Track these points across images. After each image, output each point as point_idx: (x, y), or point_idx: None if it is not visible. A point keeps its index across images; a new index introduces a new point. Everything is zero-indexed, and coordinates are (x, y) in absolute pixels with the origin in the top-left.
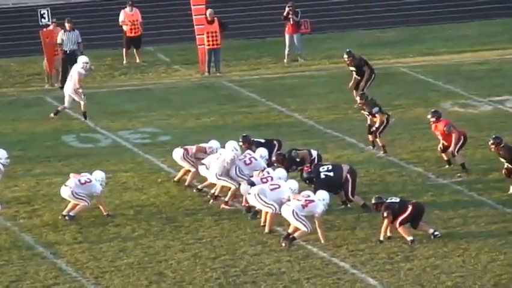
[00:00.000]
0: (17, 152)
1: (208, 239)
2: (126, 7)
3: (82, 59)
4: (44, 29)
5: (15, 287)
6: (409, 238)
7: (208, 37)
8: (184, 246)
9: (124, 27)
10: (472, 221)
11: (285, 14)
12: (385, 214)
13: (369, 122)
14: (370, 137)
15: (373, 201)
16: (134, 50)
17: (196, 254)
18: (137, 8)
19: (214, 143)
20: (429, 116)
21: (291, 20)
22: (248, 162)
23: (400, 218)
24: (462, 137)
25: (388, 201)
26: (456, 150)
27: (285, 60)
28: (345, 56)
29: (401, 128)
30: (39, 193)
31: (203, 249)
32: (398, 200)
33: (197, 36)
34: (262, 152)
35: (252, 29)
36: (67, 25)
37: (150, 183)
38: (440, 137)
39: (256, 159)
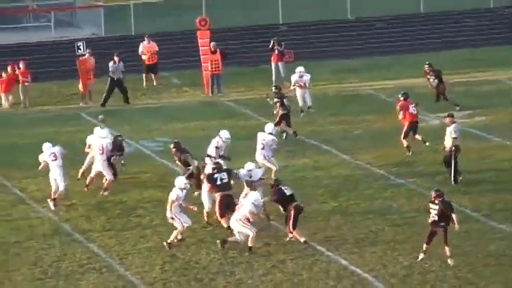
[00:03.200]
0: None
1: (211, 228)
2: (144, 40)
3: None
4: (80, 58)
5: (56, 266)
6: (302, 239)
7: (211, 65)
8: (192, 233)
9: (143, 57)
10: (423, 212)
11: (271, 45)
12: (273, 196)
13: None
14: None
15: (271, 182)
16: (152, 75)
17: (201, 239)
18: (154, 41)
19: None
20: (399, 95)
21: (276, 50)
22: None
23: (290, 223)
24: (408, 123)
25: (283, 188)
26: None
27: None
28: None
29: (367, 138)
30: (75, 190)
31: (207, 235)
32: (289, 193)
33: (202, 64)
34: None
35: (247, 58)
36: (115, 58)
37: (166, 183)
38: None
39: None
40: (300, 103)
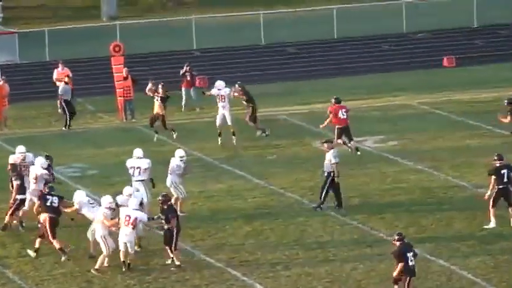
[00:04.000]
0: None
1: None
2: (59, 66)
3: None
4: None
5: None
6: (177, 263)
7: (124, 91)
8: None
9: (57, 83)
10: (337, 237)
11: (182, 71)
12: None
13: None
14: None
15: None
16: None
17: (118, 264)
18: (67, 67)
19: None
20: (332, 100)
21: (187, 76)
22: None
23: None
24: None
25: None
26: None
27: (183, 110)
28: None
29: (281, 163)
30: None
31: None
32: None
33: (117, 90)
34: None
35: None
36: (67, 80)
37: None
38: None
39: None
40: (218, 122)
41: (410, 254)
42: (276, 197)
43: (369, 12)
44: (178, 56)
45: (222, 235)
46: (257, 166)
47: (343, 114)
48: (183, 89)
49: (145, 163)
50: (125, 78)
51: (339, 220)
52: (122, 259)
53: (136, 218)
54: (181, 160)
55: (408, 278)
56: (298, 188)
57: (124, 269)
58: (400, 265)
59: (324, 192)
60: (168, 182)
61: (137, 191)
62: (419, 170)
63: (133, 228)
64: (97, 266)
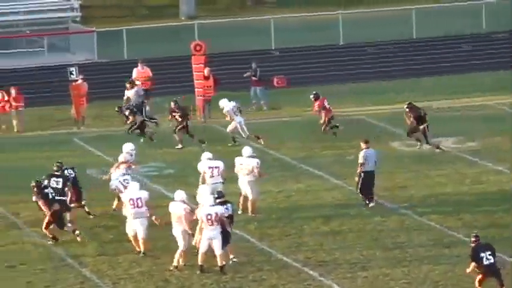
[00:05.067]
0: None
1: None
2: (138, 65)
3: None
4: (73, 83)
5: None
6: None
7: (204, 90)
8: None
9: (137, 82)
10: (414, 238)
11: (247, 74)
12: None
13: None
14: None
15: None
16: (145, 100)
17: (194, 264)
18: (147, 67)
19: None
20: (311, 96)
21: (255, 75)
22: None
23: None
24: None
25: None
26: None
27: (249, 108)
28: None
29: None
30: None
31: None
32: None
33: (196, 89)
34: None
35: (238, 83)
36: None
37: (158, 207)
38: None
39: None
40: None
41: (485, 254)
42: (354, 197)
43: (447, 12)
44: (256, 56)
45: (300, 235)
46: (336, 166)
47: (328, 105)
48: (252, 88)
49: (254, 162)
50: (207, 78)
51: (416, 220)
52: (200, 262)
53: (217, 214)
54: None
55: (488, 277)
56: (375, 188)
57: (198, 272)
58: (472, 265)
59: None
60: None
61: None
62: (499, 171)
63: (218, 225)
64: (174, 263)
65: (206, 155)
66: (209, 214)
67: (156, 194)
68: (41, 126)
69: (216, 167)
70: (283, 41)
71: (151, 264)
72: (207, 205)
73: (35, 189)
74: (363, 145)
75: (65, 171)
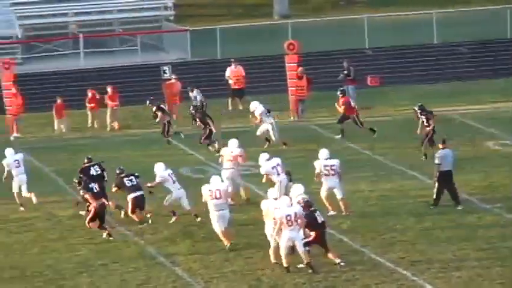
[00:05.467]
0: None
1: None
2: (231, 65)
3: None
4: (167, 82)
5: None
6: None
7: (297, 90)
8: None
9: (230, 81)
10: (508, 238)
11: (340, 77)
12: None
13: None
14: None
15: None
16: (238, 100)
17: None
18: (241, 66)
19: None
20: (338, 92)
21: (345, 76)
22: None
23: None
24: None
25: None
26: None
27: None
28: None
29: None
30: (161, 213)
31: (294, 259)
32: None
33: (289, 89)
34: None
35: (329, 83)
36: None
37: (250, 206)
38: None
39: None
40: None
41: None
42: (446, 197)
43: None
44: (349, 55)
45: (392, 234)
46: (428, 166)
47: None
48: (344, 87)
49: (336, 162)
50: (300, 78)
51: (510, 220)
52: (285, 264)
53: (296, 214)
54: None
55: None
56: (469, 188)
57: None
58: None
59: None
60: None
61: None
62: None
63: (297, 225)
64: (273, 260)
65: (323, 153)
66: (288, 215)
67: (251, 193)
68: (134, 125)
69: (332, 165)
70: (377, 40)
71: (243, 263)
72: (284, 206)
73: (80, 184)
74: (440, 145)
75: (91, 168)
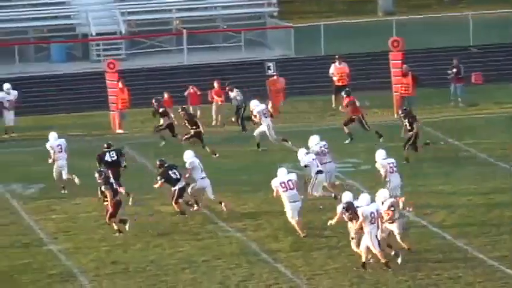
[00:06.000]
0: (243, 177)
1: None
2: (335, 61)
3: None
4: (270, 78)
5: (243, 286)
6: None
7: (401, 87)
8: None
9: (334, 78)
10: None
11: (451, 76)
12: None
13: None
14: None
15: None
16: (342, 96)
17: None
18: (345, 63)
19: None
20: (343, 93)
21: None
22: None
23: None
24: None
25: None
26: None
27: (451, 103)
28: None
29: None
30: (264, 210)
31: (394, 256)
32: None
33: (393, 86)
34: None
35: (436, 80)
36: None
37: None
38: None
39: None
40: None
41: None
42: None
43: None
44: (454, 53)
45: (496, 233)
46: None
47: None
48: (452, 85)
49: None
50: (405, 75)
51: None
52: (383, 260)
53: (378, 211)
54: None
55: None
56: None
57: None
58: None
59: None
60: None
61: None
62: None
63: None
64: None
65: (381, 153)
66: (372, 212)
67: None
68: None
69: (392, 163)
70: (482, 37)
71: (346, 260)
72: (365, 204)
73: (101, 179)
74: None
75: (107, 154)
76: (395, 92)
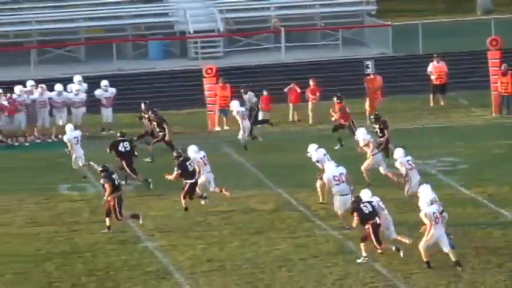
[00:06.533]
0: None
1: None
2: (434, 60)
3: None
4: (368, 77)
5: (339, 284)
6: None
7: (501, 86)
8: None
9: (432, 77)
10: None
11: None
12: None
13: None
14: None
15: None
16: (439, 96)
17: (488, 260)
18: (443, 61)
19: None
20: (334, 98)
21: None
22: None
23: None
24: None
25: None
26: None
27: None
28: None
29: None
30: None
31: (491, 256)
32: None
33: (492, 85)
34: None
35: None
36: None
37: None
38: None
39: None
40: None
41: None
42: None
43: None
44: None
45: None
46: None
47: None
48: None
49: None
50: (504, 74)
51: None
52: (454, 258)
53: (438, 211)
54: None
55: None
56: None
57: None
58: None
59: None
60: None
61: None
62: None
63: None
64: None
65: (400, 152)
66: (434, 212)
67: (451, 190)
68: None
69: (410, 160)
70: None
71: (443, 259)
72: (428, 204)
73: (103, 173)
74: None
75: (121, 144)
76: (494, 91)
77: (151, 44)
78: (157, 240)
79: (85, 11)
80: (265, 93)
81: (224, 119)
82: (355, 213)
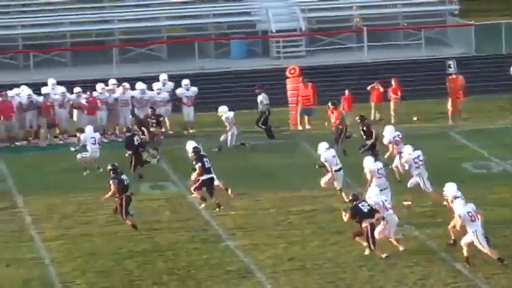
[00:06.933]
0: None
1: None
2: None
3: None
4: (450, 77)
5: (421, 284)
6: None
7: None
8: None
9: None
10: None
11: None
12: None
13: None
14: None
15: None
16: None
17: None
18: None
19: None
20: (329, 104)
21: None
22: None
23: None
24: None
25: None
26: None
27: None
28: None
29: None
30: (443, 208)
31: None
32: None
33: None
34: None
35: None
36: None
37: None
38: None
39: None
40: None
41: None
42: None
43: None
44: None
45: None
46: None
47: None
48: None
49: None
50: None
51: None
52: (495, 256)
53: (473, 210)
54: None
55: None
56: None
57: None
58: None
59: None
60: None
61: None
62: None
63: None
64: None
65: (408, 148)
66: (469, 212)
67: None
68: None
69: (418, 157)
70: None
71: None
72: (462, 204)
73: (112, 172)
74: None
75: (135, 137)
76: None
77: (233, 43)
78: (238, 239)
79: (167, 9)
80: (347, 93)
81: (306, 118)
82: (350, 212)
